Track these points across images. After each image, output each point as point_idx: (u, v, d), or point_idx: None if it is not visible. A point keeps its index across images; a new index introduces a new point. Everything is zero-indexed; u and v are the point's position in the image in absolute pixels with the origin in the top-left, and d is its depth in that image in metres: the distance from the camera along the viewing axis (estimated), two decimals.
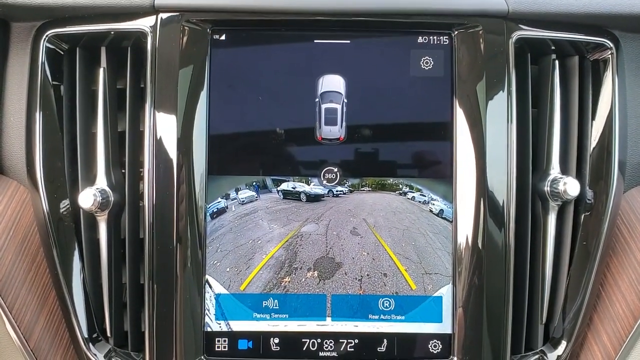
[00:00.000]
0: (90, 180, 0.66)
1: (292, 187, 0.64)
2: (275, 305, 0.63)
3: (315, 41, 0.65)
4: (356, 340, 0.64)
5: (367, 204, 0.64)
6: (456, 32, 0.65)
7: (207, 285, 0.63)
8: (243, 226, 0.64)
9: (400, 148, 0.64)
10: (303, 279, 0.63)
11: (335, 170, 0.64)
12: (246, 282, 0.63)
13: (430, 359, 0.63)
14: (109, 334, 0.66)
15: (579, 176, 0.67)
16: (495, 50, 0.64)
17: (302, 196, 0.64)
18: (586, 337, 0.66)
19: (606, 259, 0.66)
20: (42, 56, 0.65)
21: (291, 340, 0.63)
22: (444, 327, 0.63)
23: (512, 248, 0.63)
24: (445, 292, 0.63)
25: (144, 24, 0.64)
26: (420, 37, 0.65)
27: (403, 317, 0.63)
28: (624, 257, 0.67)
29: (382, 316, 0.63)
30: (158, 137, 0.63)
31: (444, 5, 0.63)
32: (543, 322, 0.66)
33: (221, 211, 0.64)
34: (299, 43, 0.65)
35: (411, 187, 0.64)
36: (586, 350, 0.66)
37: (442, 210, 0.64)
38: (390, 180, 0.64)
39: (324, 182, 0.64)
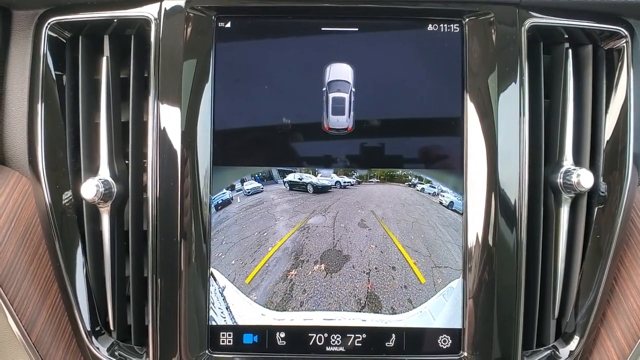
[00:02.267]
0: (93, 171, 0.65)
1: (299, 178, 0.63)
2: (281, 299, 0.62)
3: (323, 29, 0.63)
4: (364, 335, 0.62)
5: (375, 196, 0.63)
6: (467, 20, 0.63)
7: (211, 278, 0.62)
8: (248, 218, 0.62)
9: (409, 139, 0.63)
10: (310, 272, 0.62)
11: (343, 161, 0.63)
12: (251, 275, 0.62)
13: (439, 354, 0.62)
14: (112, 328, 0.65)
15: (593, 168, 0.65)
16: (507, 39, 0.62)
17: (309, 187, 0.63)
18: (599, 333, 0.65)
19: (620, 253, 0.65)
20: (44, 45, 0.64)
21: (297, 334, 0.62)
22: (454, 322, 0.62)
23: (524, 241, 0.62)
24: (455, 286, 0.62)
25: (148, 11, 0.62)
26: (430, 25, 0.63)
27: (412, 312, 0.62)
28: (638, 251, 0.65)
29: (390, 310, 0.62)
30: (162, 128, 0.61)
31: None
32: (555, 317, 0.65)
33: (226, 203, 0.62)
34: (306, 31, 0.63)
35: (420, 179, 0.63)
36: (599, 346, 0.65)
37: (452, 202, 0.63)
38: (399, 172, 0.63)
39: (331, 173, 0.63)
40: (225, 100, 0.62)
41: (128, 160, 0.65)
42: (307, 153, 0.63)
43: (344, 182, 0.63)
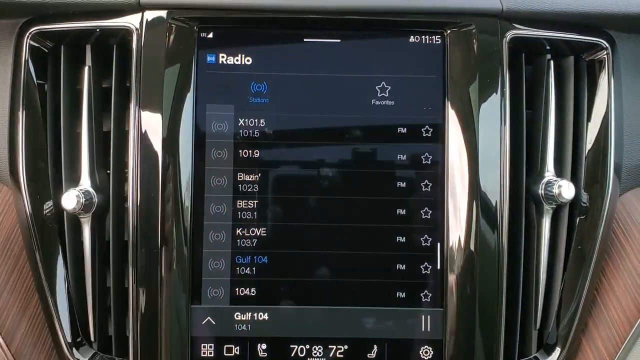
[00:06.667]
0: (74, 181, 0.64)
1: None
2: (263, 310, 0.62)
3: (305, 40, 0.63)
4: (346, 346, 0.62)
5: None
6: (449, 32, 0.63)
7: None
8: None
9: (390, 147, 0.63)
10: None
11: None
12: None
13: None
14: (92, 339, 0.64)
15: (574, 179, 0.66)
16: (488, 50, 0.63)
17: None
18: (581, 343, 0.65)
19: (601, 263, 0.65)
20: (25, 54, 0.63)
21: (279, 346, 0.62)
22: (435, 333, 0.62)
23: (505, 252, 0.62)
24: (437, 297, 0.62)
25: (130, 21, 0.62)
26: (411, 37, 0.64)
27: (394, 323, 0.62)
28: (620, 261, 0.65)
29: (372, 321, 0.62)
30: (143, 138, 0.61)
31: (436, 3, 0.62)
32: (537, 328, 0.65)
33: None
34: (288, 41, 0.63)
35: None
36: (581, 357, 0.65)
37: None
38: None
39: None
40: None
41: (109, 170, 0.64)
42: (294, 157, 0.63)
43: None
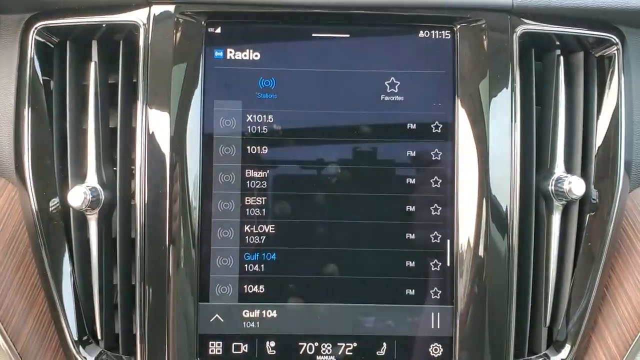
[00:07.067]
0: (81, 177, 0.64)
1: None
2: (272, 308, 0.61)
3: (314, 35, 0.63)
4: (355, 344, 0.62)
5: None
6: (458, 27, 0.63)
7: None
8: None
9: (400, 144, 0.62)
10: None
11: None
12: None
13: None
14: (99, 337, 0.64)
15: (584, 175, 0.65)
16: (498, 46, 0.62)
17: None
18: (590, 341, 0.65)
19: (611, 260, 0.65)
20: (31, 50, 0.63)
21: (288, 343, 0.62)
22: (445, 330, 0.62)
23: (515, 249, 0.61)
24: (446, 294, 0.62)
25: (137, 16, 0.62)
26: (421, 32, 0.63)
27: (403, 320, 0.62)
28: (629, 258, 0.65)
29: (381, 318, 0.61)
30: (150, 134, 0.61)
31: None
32: (547, 325, 0.65)
33: None
34: (296, 37, 0.63)
35: None
36: (590, 354, 0.65)
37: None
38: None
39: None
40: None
41: (116, 167, 0.64)
42: (302, 153, 0.63)
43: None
